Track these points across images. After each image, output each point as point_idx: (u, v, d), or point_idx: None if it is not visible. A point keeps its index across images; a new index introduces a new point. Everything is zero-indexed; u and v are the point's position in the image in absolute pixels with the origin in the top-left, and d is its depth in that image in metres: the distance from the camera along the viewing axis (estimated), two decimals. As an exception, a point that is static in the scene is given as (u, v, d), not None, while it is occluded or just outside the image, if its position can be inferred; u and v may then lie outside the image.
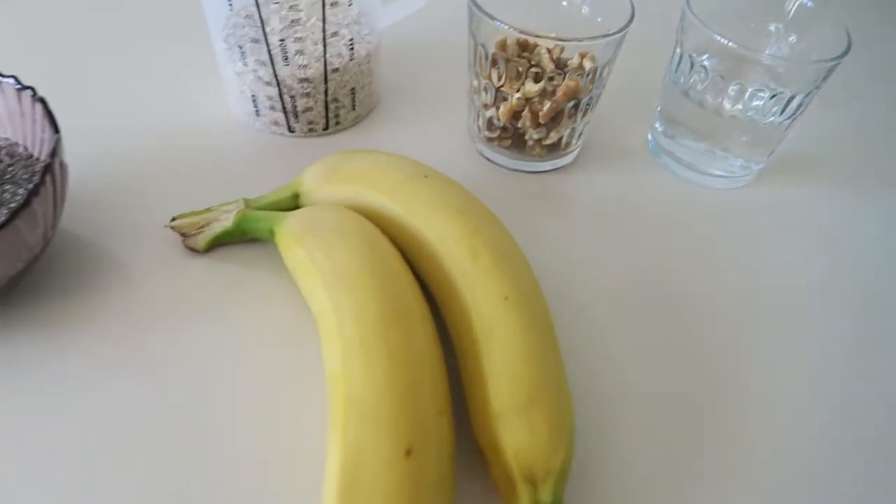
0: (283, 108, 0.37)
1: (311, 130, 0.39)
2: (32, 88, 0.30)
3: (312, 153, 0.38)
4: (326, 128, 0.39)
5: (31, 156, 0.31)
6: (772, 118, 0.36)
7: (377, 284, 0.27)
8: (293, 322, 0.30)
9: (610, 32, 0.33)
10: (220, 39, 0.36)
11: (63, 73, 0.42)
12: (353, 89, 0.38)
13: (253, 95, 0.37)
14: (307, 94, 0.36)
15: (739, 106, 0.35)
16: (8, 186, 0.30)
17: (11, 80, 0.30)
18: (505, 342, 0.26)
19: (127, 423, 0.26)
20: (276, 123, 0.38)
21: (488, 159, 0.40)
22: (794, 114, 0.35)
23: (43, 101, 0.29)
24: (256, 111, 0.38)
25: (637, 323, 0.32)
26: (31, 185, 0.29)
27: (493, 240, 0.29)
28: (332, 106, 0.38)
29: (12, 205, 0.29)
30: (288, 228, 0.30)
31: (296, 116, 0.38)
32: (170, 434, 0.26)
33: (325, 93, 0.37)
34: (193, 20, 0.43)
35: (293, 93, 0.36)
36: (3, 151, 0.31)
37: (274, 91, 0.36)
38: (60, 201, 0.28)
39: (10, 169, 0.31)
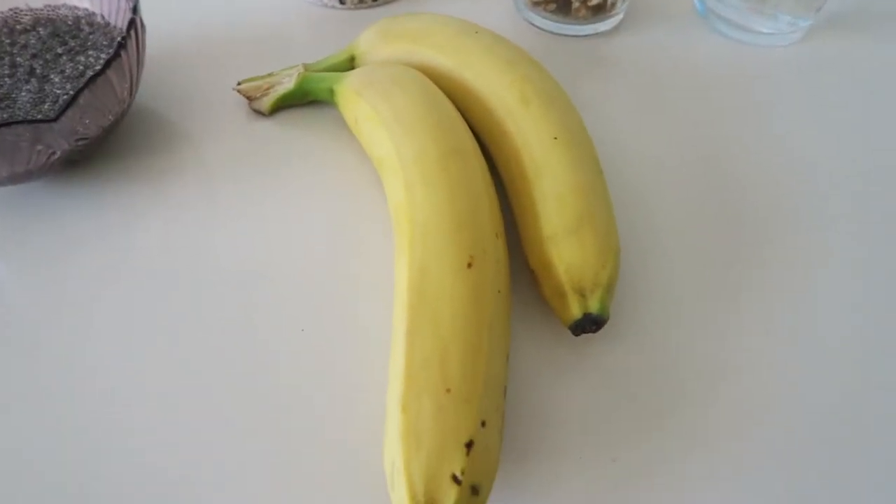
0: (335, -22, 0.38)
1: (361, 2, 0.40)
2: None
3: (363, 24, 0.39)
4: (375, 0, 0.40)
5: (109, 24, 0.33)
6: (823, -34, 0.35)
7: (434, 125, 0.29)
8: (353, 171, 0.33)
9: None
10: None
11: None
12: (400, -44, 0.39)
13: (305, -34, 0.38)
14: (358, -37, 0.37)
15: (789, -45, 0.35)
16: (91, 52, 0.32)
17: (86, -50, 0.32)
18: (554, 175, 0.28)
19: (201, 271, 0.29)
20: (328, -5, 0.39)
21: (534, 25, 0.41)
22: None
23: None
24: (309, -17, 0.39)
25: (677, 173, 0.33)
26: (112, 50, 0.32)
27: (542, 87, 0.30)
28: (381, -26, 0.39)
29: (97, 67, 0.31)
30: (348, 84, 0.32)
31: (347, -13, 0.39)
32: (245, 279, 0.29)
33: (377, -39, 0.38)
34: None
35: (345, -38, 0.37)
36: (83, 21, 0.34)
37: (326, -40, 0.37)
38: (142, 57, 0.31)
39: (91, 36, 0.33)
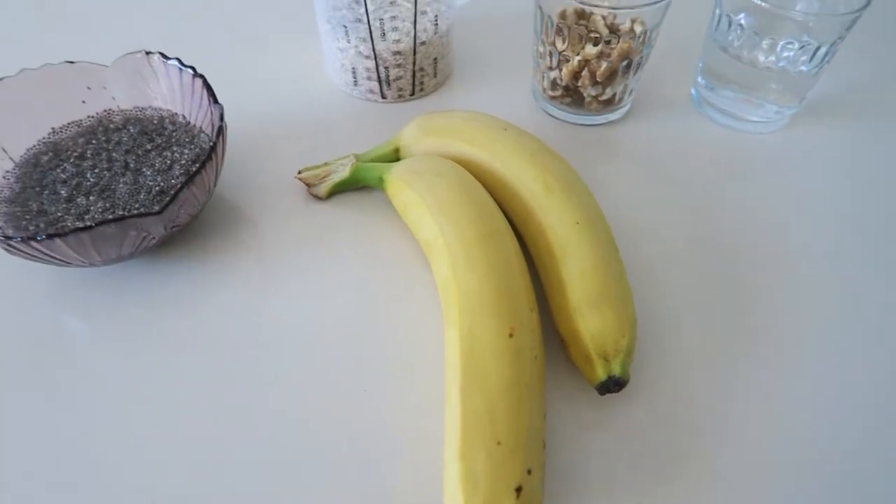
0: (378, 77, 0.44)
1: (399, 96, 0.46)
2: (193, 67, 0.37)
3: (401, 115, 0.45)
4: (412, 94, 0.46)
5: (189, 122, 0.39)
6: (802, 67, 0.41)
7: (472, 211, 0.34)
8: (400, 249, 0.38)
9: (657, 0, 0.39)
10: (325, 21, 0.43)
11: (192, 52, 0.50)
12: (435, 59, 0.45)
13: (353, 68, 0.44)
14: (399, 65, 0.43)
15: (772, 58, 0.41)
16: (175, 148, 0.38)
17: (175, 62, 0.38)
18: (578, 255, 0.32)
19: (273, 340, 0.34)
20: (371, 91, 0.45)
21: (550, 115, 0.46)
22: (821, 62, 0.41)
23: (203, 78, 0.37)
24: (355, 81, 0.45)
25: (681, 246, 0.38)
26: (193, 146, 0.37)
27: (563, 176, 0.36)
28: (418, 74, 0.45)
29: (182, 161, 0.37)
30: (397, 174, 0.37)
31: (388, 84, 0.44)
32: (309, 346, 0.34)
33: (414, 63, 0.43)
34: (300, 5, 0.51)
35: (387, 64, 0.43)
36: (167, 120, 0.39)
37: (371, 63, 0.43)
38: (224, 154, 0.36)
39: (174, 134, 0.38)
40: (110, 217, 0.32)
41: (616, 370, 0.30)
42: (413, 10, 0.40)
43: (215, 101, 0.36)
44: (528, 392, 0.28)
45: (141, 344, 0.33)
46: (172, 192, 0.35)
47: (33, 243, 0.29)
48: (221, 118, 0.34)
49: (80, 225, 0.33)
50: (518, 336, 0.29)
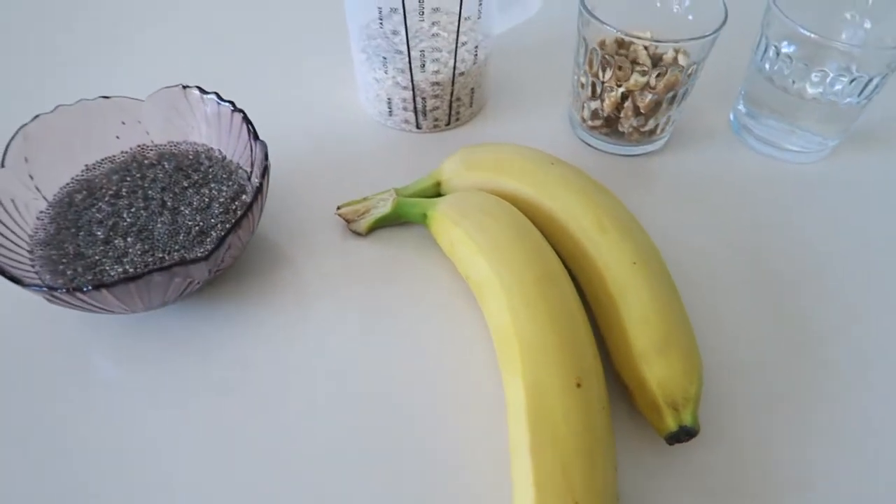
0: (415, 108, 0.43)
1: (435, 126, 0.45)
2: (232, 102, 0.36)
3: (437, 146, 0.44)
4: (448, 123, 0.45)
5: (225, 157, 0.38)
6: (849, 99, 0.40)
7: (527, 252, 0.32)
8: (445, 285, 0.37)
9: (706, 34, 0.38)
10: (360, 50, 0.42)
11: (217, 83, 0.49)
12: (472, 89, 0.44)
13: (389, 98, 0.43)
14: (436, 96, 0.42)
15: (820, 89, 0.40)
16: (213, 185, 0.36)
17: (213, 96, 0.36)
18: (638, 298, 0.31)
19: (309, 387, 0.33)
20: (406, 122, 0.44)
21: (588, 144, 0.46)
22: (870, 94, 0.40)
23: (242, 112, 0.36)
24: (390, 111, 0.44)
25: (730, 280, 0.37)
26: (231, 183, 0.36)
27: (616, 214, 0.35)
28: (454, 105, 0.44)
29: (221, 199, 0.35)
30: (442, 212, 0.36)
31: (424, 115, 0.43)
32: (353, 391, 0.33)
33: (451, 94, 0.42)
34: (327, 35, 0.51)
35: (424, 95, 0.42)
36: (203, 155, 0.38)
37: (409, 94, 0.42)
38: (267, 193, 0.35)
39: (210, 170, 0.37)
40: (159, 265, 0.31)
41: (687, 420, 0.29)
42: (454, 41, 0.40)
43: (256, 137, 0.35)
44: (601, 445, 0.27)
45: (179, 391, 0.32)
46: (213, 232, 0.34)
47: (79, 294, 0.28)
48: (266, 157, 0.33)
49: (121, 270, 0.32)
50: (586, 386, 0.28)
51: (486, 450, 0.30)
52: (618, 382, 0.32)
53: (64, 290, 0.27)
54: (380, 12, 0.38)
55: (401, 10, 0.37)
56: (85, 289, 0.27)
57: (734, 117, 0.47)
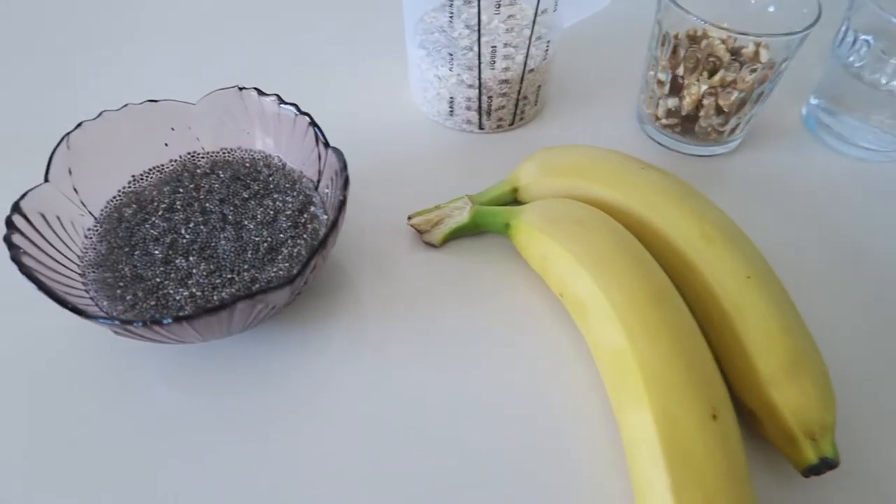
0: (479, 107, 0.40)
1: (498, 126, 0.42)
2: (296, 105, 0.33)
3: (501, 147, 0.41)
4: (512, 123, 0.42)
5: (285, 165, 0.35)
6: (939, 95, 0.38)
7: (635, 268, 0.30)
8: (531, 299, 0.34)
9: (797, 30, 0.35)
10: (417, 46, 0.39)
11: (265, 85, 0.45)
12: (539, 86, 0.41)
13: (451, 97, 0.40)
14: (503, 94, 0.39)
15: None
16: (276, 195, 0.33)
17: (274, 98, 0.33)
18: (757, 314, 0.29)
19: (389, 415, 0.30)
20: (468, 122, 0.41)
21: (657, 142, 0.43)
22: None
23: (309, 116, 0.32)
24: (451, 111, 0.41)
25: (832, 290, 0.35)
26: (296, 193, 0.33)
27: (721, 223, 0.32)
28: (520, 103, 0.41)
29: (287, 212, 0.32)
30: (529, 221, 0.33)
31: (488, 114, 0.40)
32: (439, 420, 0.30)
33: (519, 91, 0.39)
34: (377, 32, 0.48)
35: (491, 93, 0.39)
36: (261, 163, 0.35)
37: (474, 93, 0.39)
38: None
39: (270, 178, 0.34)
40: (229, 287, 0.28)
41: (828, 451, 0.26)
42: (528, 36, 0.36)
43: (327, 144, 0.32)
44: (745, 484, 0.24)
45: (249, 423, 0.29)
46: (283, 248, 0.31)
47: (157, 328, 0.24)
48: (345, 167, 0.30)
49: (188, 294, 0.29)
50: (722, 417, 0.25)
51: (602, 485, 0.28)
52: (741, 409, 0.29)
53: (140, 325, 0.24)
54: (450, 4, 0.35)
55: (475, 3, 0.34)
56: (165, 322, 0.24)
57: (807, 112, 0.44)
